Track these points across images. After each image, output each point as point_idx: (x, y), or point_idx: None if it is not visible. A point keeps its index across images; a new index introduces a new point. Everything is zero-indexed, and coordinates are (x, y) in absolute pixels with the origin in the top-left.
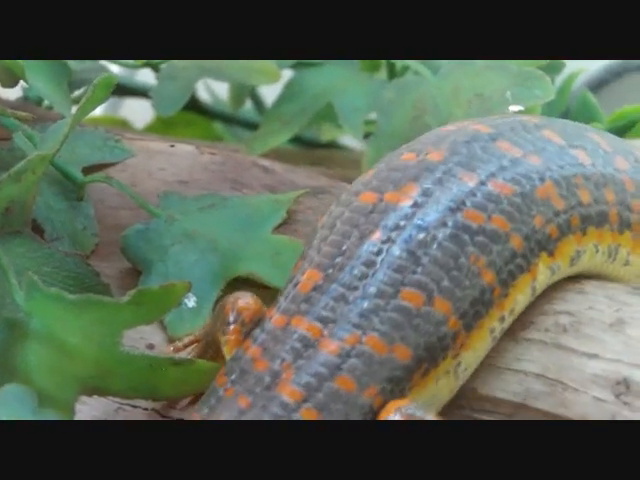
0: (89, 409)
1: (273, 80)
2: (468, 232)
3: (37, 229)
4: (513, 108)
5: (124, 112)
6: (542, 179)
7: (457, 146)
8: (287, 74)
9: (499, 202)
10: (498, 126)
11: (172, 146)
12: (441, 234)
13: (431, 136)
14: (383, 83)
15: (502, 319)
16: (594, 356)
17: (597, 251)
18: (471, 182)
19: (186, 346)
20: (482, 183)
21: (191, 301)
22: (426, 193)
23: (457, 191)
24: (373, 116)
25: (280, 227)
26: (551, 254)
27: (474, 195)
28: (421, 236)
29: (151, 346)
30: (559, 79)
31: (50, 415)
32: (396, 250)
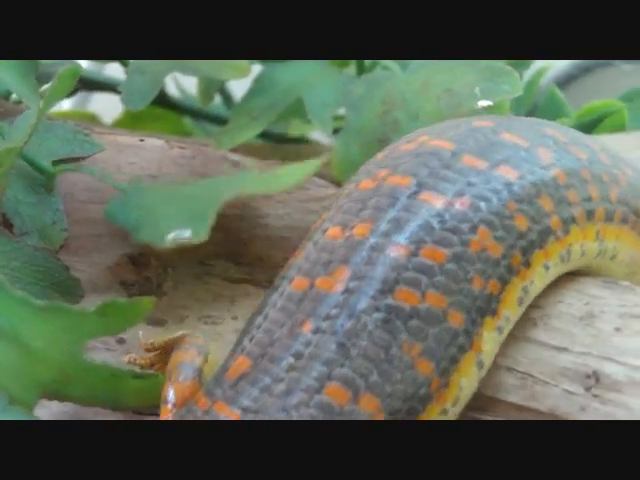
0: (57, 404)
1: (242, 75)
2: (401, 316)
3: (6, 223)
4: (482, 103)
5: (93, 107)
6: (473, 227)
7: (381, 213)
8: (256, 69)
9: (432, 274)
10: (417, 174)
11: (141, 140)
12: (371, 321)
13: (354, 199)
14: (352, 78)
15: (444, 412)
16: (564, 349)
17: (547, 269)
18: (400, 253)
19: (155, 350)
20: (413, 254)
21: (187, 232)
22: (357, 275)
23: (387, 268)
24: (342, 111)
25: (252, 220)
26: (495, 313)
27: (406, 269)
28: (351, 325)
29: (121, 340)
30: (527, 74)
31: (18, 415)
32: (325, 341)
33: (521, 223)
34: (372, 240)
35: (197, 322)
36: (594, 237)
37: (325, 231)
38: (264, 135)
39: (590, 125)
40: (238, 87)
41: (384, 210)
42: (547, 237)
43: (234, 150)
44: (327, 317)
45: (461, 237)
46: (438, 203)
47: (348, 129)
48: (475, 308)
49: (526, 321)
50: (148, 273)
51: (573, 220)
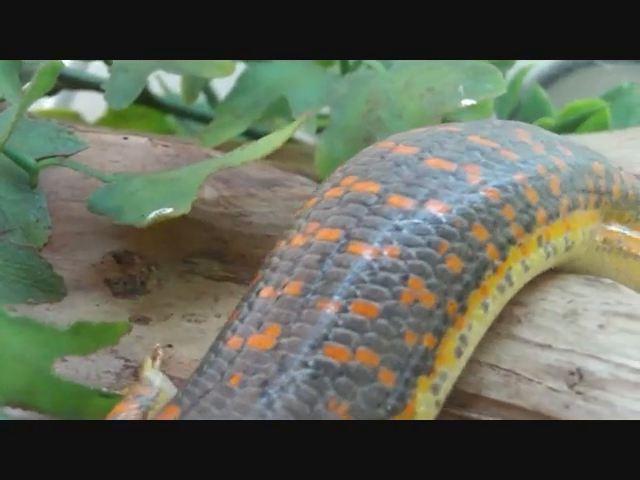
0: None
1: (226, 73)
2: (329, 373)
3: None
4: (465, 102)
5: (76, 105)
6: (404, 277)
7: (312, 270)
8: (240, 67)
9: (363, 330)
10: (345, 226)
11: (125, 138)
12: (300, 376)
13: (286, 258)
14: (336, 77)
15: None
16: (547, 347)
17: (487, 308)
18: (331, 309)
19: None
20: (343, 309)
21: (168, 209)
22: (288, 333)
23: (318, 324)
24: (326, 110)
25: (235, 218)
26: (430, 371)
27: (336, 325)
28: (278, 379)
29: None
30: (510, 74)
31: None
32: (251, 394)
33: (454, 265)
34: (303, 299)
35: (181, 320)
36: (536, 246)
37: (258, 292)
38: (248, 133)
39: (573, 124)
40: (222, 86)
41: (314, 267)
42: (483, 272)
43: (218, 148)
44: (256, 371)
45: (392, 289)
46: (367, 254)
47: (332, 127)
48: (409, 366)
49: (510, 318)
50: (132, 271)
51: (511, 241)
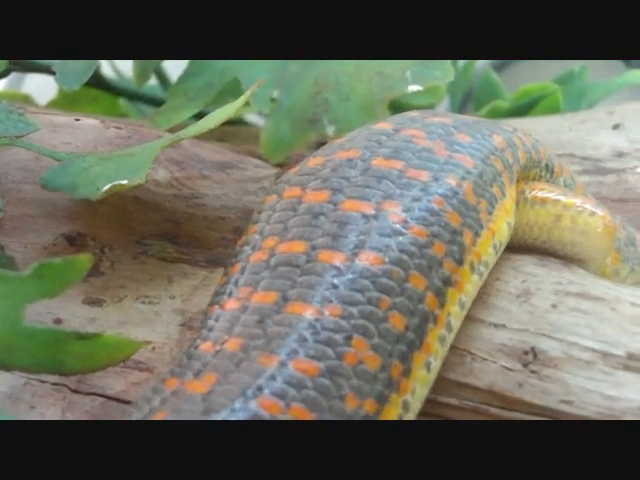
0: None
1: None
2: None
3: None
4: (412, 88)
5: (26, 88)
6: (348, 337)
7: (252, 330)
8: None
9: (301, 387)
10: (280, 288)
11: (77, 120)
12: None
13: (224, 319)
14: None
15: None
16: (501, 326)
17: (429, 367)
18: (270, 364)
19: None
20: (283, 364)
21: (123, 181)
22: (224, 381)
23: (254, 376)
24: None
25: (188, 200)
26: None
27: (273, 379)
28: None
29: (58, 320)
30: None
31: None
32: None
33: (397, 323)
34: (243, 354)
35: (134, 302)
36: (469, 275)
37: (197, 347)
38: (201, 116)
39: (525, 108)
40: (174, 68)
41: (254, 327)
42: (426, 327)
43: (170, 131)
44: (182, 411)
45: (336, 349)
46: (308, 314)
47: (279, 108)
48: None
49: None
50: (85, 253)
51: (447, 282)
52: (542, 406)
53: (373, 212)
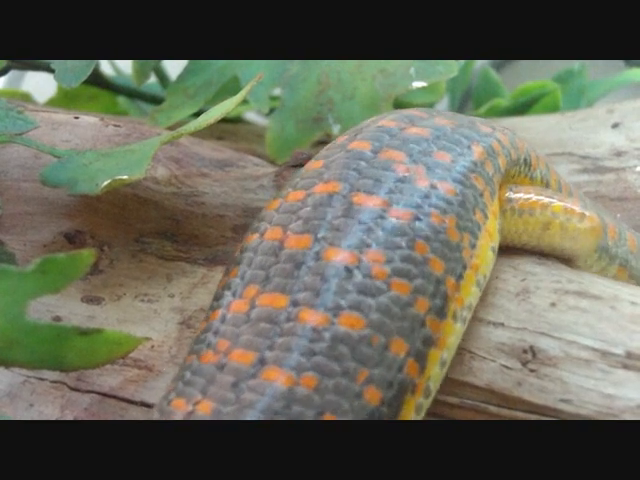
0: None
1: None
2: None
3: None
4: (416, 84)
5: (26, 86)
6: (319, 414)
7: (225, 394)
8: None
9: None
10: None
11: (76, 118)
12: None
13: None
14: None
15: None
16: (500, 325)
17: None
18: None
19: None
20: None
21: (124, 176)
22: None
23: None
24: (278, 92)
25: (188, 198)
26: None
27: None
28: None
29: (57, 318)
30: None
31: None
32: None
33: (372, 397)
34: (215, 415)
35: (133, 300)
36: (452, 326)
37: (169, 402)
38: (200, 114)
39: (525, 106)
40: (173, 66)
41: (228, 389)
42: (403, 398)
43: (170, 129)
44: None
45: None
46: (281, 382)
47: (283, 108)
48: None
49: None
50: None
51: (427, 342)
52: (541, 405)
53: (356, 264)
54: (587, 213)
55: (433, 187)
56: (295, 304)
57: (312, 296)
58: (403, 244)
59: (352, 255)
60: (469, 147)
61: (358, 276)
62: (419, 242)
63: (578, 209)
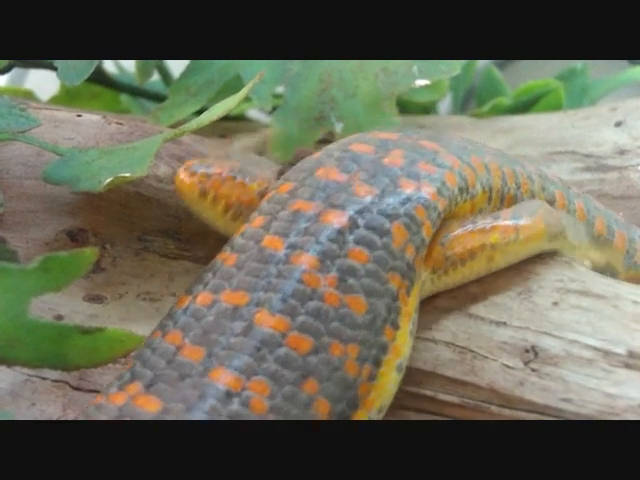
0: None
1: None
2: None
3: None
4: (419, 82)
5: (29, 84)
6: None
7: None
8: None
9: None
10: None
11: (79, 116)
12: None
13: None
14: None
15: None
16: (502, 324)
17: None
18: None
19: None
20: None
21: (126, 174)
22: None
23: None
24: (281, 90)
25: None
26: None
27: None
28: None
29: (59, 317)
30: None
31: None
32: None
33: (322, 409)
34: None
35: (135, 299)
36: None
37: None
38: (202, 112)
39: (527, 104)
40: (176, 64)
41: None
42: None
43: (172, 127)
44: None
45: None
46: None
47: (285, 106)
48: None
49: (465, 296)
50: (90, 247)
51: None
52: (543, 404)
53: (343, 307)
54: (522, 222)
55: (342, 304)
56: (257, 304)
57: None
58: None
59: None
60: (389, 230)
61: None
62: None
63: (510, 223)
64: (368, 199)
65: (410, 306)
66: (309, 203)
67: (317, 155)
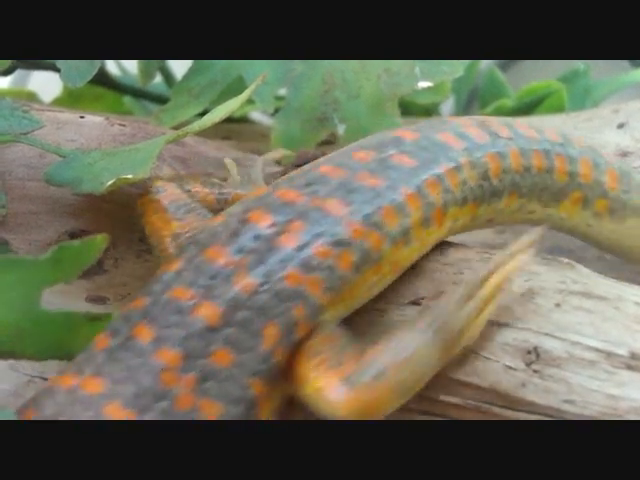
0: None
1: None
2: None
3: None
4: (422, 84)
5: (32, 85)
6: None
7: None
8: None
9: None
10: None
11: (81, 117)
12: None
13: None
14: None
15: None
16: (505, 325)
17: None
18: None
19: None
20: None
21: (128, 175)
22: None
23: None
24: (283, 92)
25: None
26: None
27: None
28: None
29: None
30: None
31: None
32: None
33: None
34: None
35: None
36: None
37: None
38: (205, 114)
39: (530, 106)
40: (179, 66)
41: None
42: None
43: (175, 129)
44: None
45: None
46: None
47: (288, 107)
48: None
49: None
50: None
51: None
52: (545, 405)
53: None
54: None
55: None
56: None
57: None
58: None
59: None
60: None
61: None
62: None
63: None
64: (247, 291)
65: (267, 416)
66: (187, 291)
67: (215, 223)
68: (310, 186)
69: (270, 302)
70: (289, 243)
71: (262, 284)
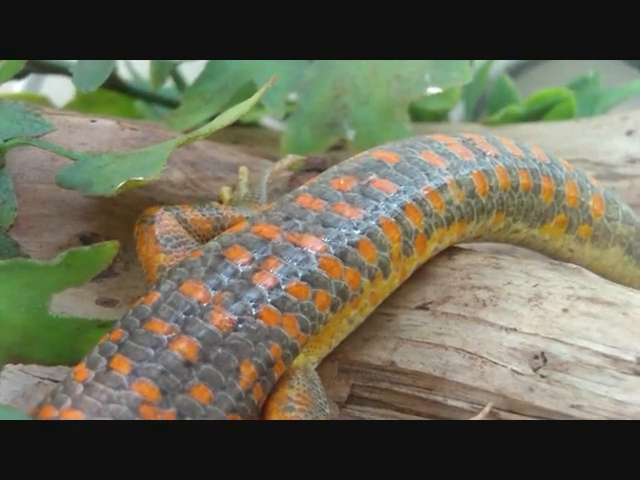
0: (8, 383)
1: None
2: None
3: None
4: (431, 90)
5: (44, 90)
6: None
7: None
8: None
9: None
10: None
11: (93, 121)
12: None
13: None
14: (304, 62)
15: None
16: (512, 330)
17: None
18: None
19: None
20: None
21: (139, 178)
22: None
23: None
24: (294, 97)
25: (202, 200)
26: None
27: None
28: None
29: None
30: (477, 63)
31: None
32: None
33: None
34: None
35: None
36: None
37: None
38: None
39: (539, 113)
40: (190, 71)
41: None
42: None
43: (186, 133)
44: None
45: None
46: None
47: (298, 113)
48: None
49: (475, 302)
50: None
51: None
52: (552, 410)
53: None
54: None
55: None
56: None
57: None
58: None
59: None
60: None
61: None
62: None
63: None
64: (224, 328)
65: None
66: (163, 324)
67: (193, 258)
68: (288, 220)
69: (246, 340)
70: (265, 281)
71: (238, 322)
